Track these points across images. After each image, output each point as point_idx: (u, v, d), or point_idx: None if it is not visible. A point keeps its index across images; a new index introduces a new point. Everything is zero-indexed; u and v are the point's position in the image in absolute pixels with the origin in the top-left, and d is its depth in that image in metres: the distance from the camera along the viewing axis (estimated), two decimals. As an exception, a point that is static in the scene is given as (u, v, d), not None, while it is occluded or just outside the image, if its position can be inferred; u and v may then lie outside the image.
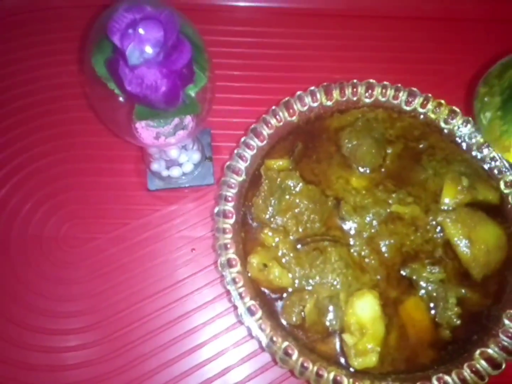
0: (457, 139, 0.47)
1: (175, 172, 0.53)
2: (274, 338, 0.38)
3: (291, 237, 0.43)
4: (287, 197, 0.43)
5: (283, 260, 0.41)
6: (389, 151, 0.47)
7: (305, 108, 0.47)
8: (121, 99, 0.39)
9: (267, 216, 0.43)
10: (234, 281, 0.39)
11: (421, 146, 0.47)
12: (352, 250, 0.42)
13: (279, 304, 0.40)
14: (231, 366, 0.46)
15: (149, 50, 0.34)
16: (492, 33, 0.63)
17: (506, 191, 0.44)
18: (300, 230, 0.43)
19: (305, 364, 0.37)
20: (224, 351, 0.46)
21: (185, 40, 0.35)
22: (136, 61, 0.34)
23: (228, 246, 0.41)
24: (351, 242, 0.43)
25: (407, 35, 0.63)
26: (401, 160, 0.47)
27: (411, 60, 0.61)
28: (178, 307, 0.48)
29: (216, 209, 0.41)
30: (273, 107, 0.46)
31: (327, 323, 0.40)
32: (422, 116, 0.48)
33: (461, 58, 0.62)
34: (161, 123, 0.44)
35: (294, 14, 0.63)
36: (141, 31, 0.34)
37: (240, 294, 0.39)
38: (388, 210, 0.43)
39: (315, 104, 0.47)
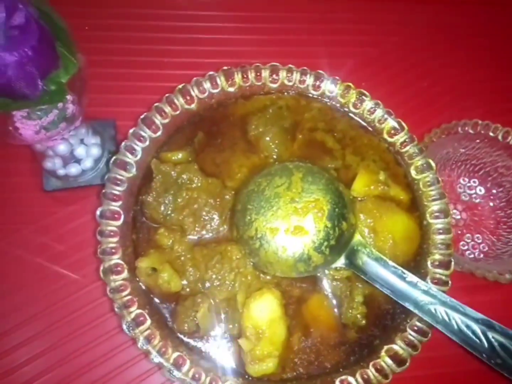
0: (366, 124, 0.44)
1: (73, 169, 0.48)
2: (164, 349, 0.35)
3: (188, 237, 0.39)
4: (184, 194, 0.40)
5: (178, 262, 0.38)
6: (299, 136, 0.44)
7: (205, 94, 0.43)
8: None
9: (161, 215, 0.39)
10: (118, 289, 0.35)
11: (333, 134, 0.44)
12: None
13: (170, 311, 0.37)
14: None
15: (-12, 31, 0.29)
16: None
17: (416, 176, 0.42)
18: (198, 228, 0.40)
19: (196, 375, 0.34)
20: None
21: (32, 19, 0.30)
22: (-28, 44, 0.29)
23: (113, 250, 0.37)
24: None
25: (325, 17, 0.60)
26: (309, 148, 0.44)
27: (333, 42, 0.59)
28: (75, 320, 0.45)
29: (98, 210, 0.37)
30: (167, 94, 0.42)
31: (224, 329, 0.37)
32: (330, 101, 0.45)
33: (384, 40, 0.59)
34: (40, 113, 0.39)
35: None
36: (-25, 8, 0.29)
37: (124, 304, 0.35)
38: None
39: (216, 90, 0.43)
